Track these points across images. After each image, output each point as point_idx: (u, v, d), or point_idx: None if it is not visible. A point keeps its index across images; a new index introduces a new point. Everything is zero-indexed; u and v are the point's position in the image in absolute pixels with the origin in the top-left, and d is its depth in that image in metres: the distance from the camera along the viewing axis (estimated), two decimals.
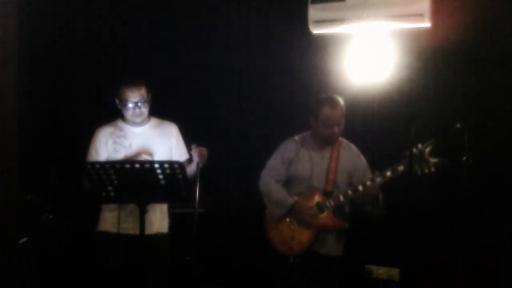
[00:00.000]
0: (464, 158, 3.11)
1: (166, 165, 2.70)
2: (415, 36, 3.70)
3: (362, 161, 3.30)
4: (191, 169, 3.24)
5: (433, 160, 3.01)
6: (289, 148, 3.28)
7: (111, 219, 3.24)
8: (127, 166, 2.79)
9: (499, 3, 3.56)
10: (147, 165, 2.74)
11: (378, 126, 3.82)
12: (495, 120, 3.54)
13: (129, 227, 3.15)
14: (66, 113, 4.51)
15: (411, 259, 3.73)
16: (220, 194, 4.14)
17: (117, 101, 3.30)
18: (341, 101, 3.19)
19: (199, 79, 4.29)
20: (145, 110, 3.28)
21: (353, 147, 3.34)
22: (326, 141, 3.24)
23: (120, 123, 3.38)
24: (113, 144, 3.30)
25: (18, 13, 2.32)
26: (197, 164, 3.10)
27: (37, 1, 3.93)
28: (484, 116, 3.51)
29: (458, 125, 3.13)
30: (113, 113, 4.00)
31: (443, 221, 3.60)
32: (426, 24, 3.55)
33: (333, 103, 3.15)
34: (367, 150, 3.57)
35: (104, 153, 3.30)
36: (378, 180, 3.06)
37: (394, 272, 3.78)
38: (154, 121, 3.43)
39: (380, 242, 3.83)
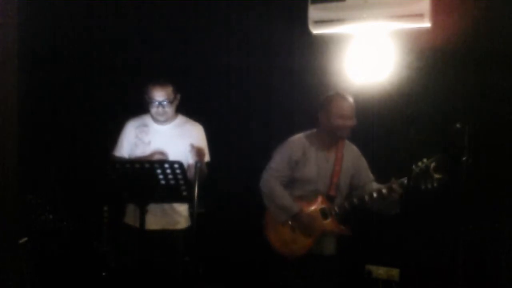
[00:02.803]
0: (464, 158, 3.12)
1: (166, 165, 2.71)
2: (415, 36, 3.70)
3: (363, 162, 3.29)
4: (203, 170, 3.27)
5: (437, 176, 3.02)
6: (296, 148, 3.20)
7: (132, 212, 3.27)
8: (127, 166, 2.81)
9: (499, 3, 3.56)
10: (147, 165, 2.75)
11: (378, 126, 3.82)
12: (495, 120, 3.54)
13: (147, 222, 3.08)
14: (66, 113, 4.52)
15: (411, 259, 3.74)
16: (220, 194, 4.14)
17: (145, 98, 3.35)
18: (350, 97, 3.19)
19: (199, 79, 4.29)
20: (169, 110, 3.33)
21: (355, 148, 3.32)
22: (337, 135, 3.17)
23: (146, 118, 3.44)
24: (134, 138, 3.38)
25: (18, 13, 2.32)
26: (195, 163, 3.11)
27: (37, 1, 3.93)
28: (484, 116, 3.51)
29: (458, 125, 3.15)
30: (114, 113, 4.01)
31: (443, 221, 3.60)
32: (426, 24, 3.55)
33: (344, 97, 3.16)
34: (367, 150, 3.57)
35: (127, 146, 3.39)
36: (385, 192, 3.05)
37: (394, 272, 3.79)
38: (179, 120, 3.46)
39: (380, 242, 3.83)
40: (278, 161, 3.21)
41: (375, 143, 3.76)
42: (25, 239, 3.44)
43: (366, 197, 3.09)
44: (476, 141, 3.17)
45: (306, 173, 3.17)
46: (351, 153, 3.28)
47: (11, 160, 2.30)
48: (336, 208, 3.11)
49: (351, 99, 3.17)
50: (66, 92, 4.50)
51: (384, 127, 3.79)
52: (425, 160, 3.03)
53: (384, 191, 3.06)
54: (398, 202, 3.11)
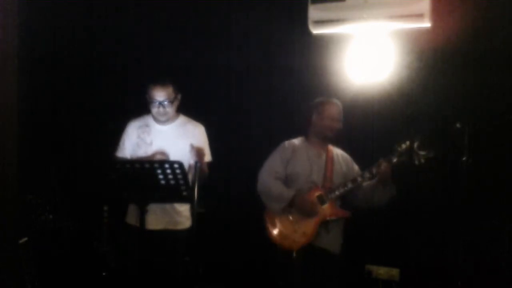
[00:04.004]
0: (464, 158, 3.13)
1: (166, 165, 2.71)
2: (415, 36, 3.70)
3: (355, 166, 3.39)
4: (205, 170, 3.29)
5: (421, 152, 3.10)
6: (286, 149, 3.36)
7: (133, 212, 3.26)
8: (128, 166, 2.81)
9: (499, 3, 3.57)
10: (147, 165, 2.75)
11: (378, 126, 3.83)
12: (495, 120, 3.54)
13: (149, 222, 3.07)
14: (66, 113, 4.52)
15: (411, 259, 3.74)
16: (220, 194, 4.14)
17: (146, 98, 3.35)
18: (339, 102, 3.36)
19: (199, 79, 4.29)
20: (169, 110, 3.32)
21: (345, 154, 3.43)
22: (327, 136, 3.33)
23: (148, 118, 3.44)
24: (137, 139, 3.38)
25: (18, 13, 2.32)
26: (195, 163, 3.11)
27: (37, 1, 3.93)
28: (484, 116, 3.51)
29: (458, 125, 3.16)
30: (114, 113, 4.01)
31: (443, 221, 3.61)
32: (426, 24, 3.55)
33: (335, 102, 3.35)
34: (367, 150, 3.58)
35: (130, 146, 3.39)
36: (375, 170, 3.14)
37: (394, 272, 3.79)
38: (181, 120, 3.45)
39: (380, 242, 3.83)
40: (271, 161, 3.35)
41: (375, 143, 3.77)
42: (25, 239, 3.44)
43: (359, 178, 3.18)
44: (476, 141, 3.17)
45: (299, 167, 3.28)
46: (341, 155, 3.40)
47: (11, 160, 2.30)
48: (331, 193, 3.20)
49: (340, 105, 3.33)
50: (66, 92, 4.50)
51: (384, 127, 3.79)
52: (407, 142, 3.12)
53: (374, 169, 3.15)
54: (389, 186, 3.16)
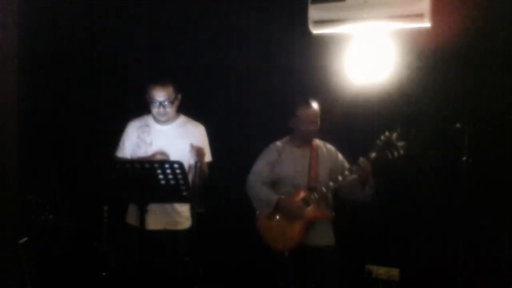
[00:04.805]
0: (464, 158, 3.13)
1: (166, 165, 2.71)
2: (415, 36, 3.70)
3: (339, 157, 3.42)
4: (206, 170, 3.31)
5: (400, 144, 3.11)
6: (271, 152, 3.41)
7: (133, 212, 3.26)
8: (128, 166, 2.81)
9: (499, 3, 3.56)
10: (147, 165, 2.75)
11: (378, 126, 3.82)
12: (495, 120, 3.54)
13: (149, 222, 3.07)
14: (66, 113, 4.52)
15: (411, 259, 3.74)
16: (220, 194, 4.14)
17: (146, 98, 3.35)
18: (315, 102, 3.34)
19: (199, 79, 4.29)
20: (170, 110, 3.33)
21: (329, 146, 3.45)
22: (305, 138, 3.37)
23: (148, 118, 3.44)
24: (137, 139, 3.38)
25: (18, 13, 2.32)
26: (195, 163, 3.11)
27: (37, 1, 3.93)
28: (484, 116, 3.51)
29: (458, 125, 3.16)
30: (114, 113, 4.00)
31: (443, 221, 3.61)
32: (426, 24, 3.55)
33: (310, 104, 3.33)
34: (367, 150, 3.57)
35: (130, 146, 3.40)
36: (355, 168, 3.16)
37: (394, 272, 3.79)
38: (181, 120, 3.46)
39: (380, 242, 3.83)
40: (258, 165, 3.41)
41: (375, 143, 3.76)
42: (25, 239, 3.44)
43: (340, 177, 3.20)
44: (476, 141, 3.17)
45: (284, 171, 3.33)
46: (326, 150, 3.42)
47: (11, 160, 2.30)
48: (315, 194, 3.23)
49: (316, 106, 3.32)
50: (66, 92, 4.50)
51: (384, 127, 3.79)
52: (387, 133, 3.13)
53: (354, 167, 3.16)
54: (370, 180, 3.17)
